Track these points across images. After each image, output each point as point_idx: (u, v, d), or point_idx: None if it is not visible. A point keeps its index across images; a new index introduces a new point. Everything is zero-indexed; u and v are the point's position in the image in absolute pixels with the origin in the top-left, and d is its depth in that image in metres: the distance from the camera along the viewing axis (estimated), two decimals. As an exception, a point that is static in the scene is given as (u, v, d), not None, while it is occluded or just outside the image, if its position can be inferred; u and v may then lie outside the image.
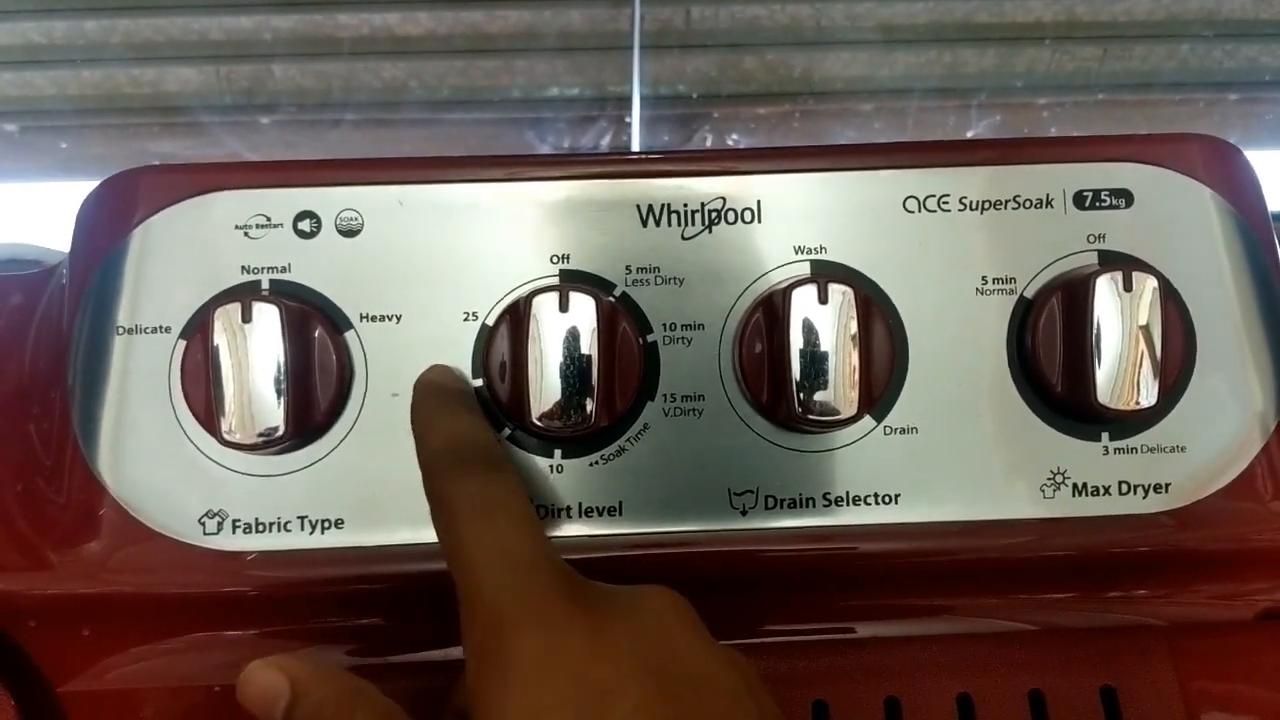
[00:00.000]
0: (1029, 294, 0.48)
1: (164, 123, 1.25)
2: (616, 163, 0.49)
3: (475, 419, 0.45)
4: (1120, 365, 0.46)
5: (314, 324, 0.47)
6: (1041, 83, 1.25)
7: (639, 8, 1.15)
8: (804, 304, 0.46)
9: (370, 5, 1.17)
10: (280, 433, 0.45)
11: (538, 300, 0.45)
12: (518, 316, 0.46)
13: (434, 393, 0.46)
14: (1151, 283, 0.46)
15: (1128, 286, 0.46)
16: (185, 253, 0.48)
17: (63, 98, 1.23)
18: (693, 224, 0.49)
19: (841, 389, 0.45)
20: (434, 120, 1.27)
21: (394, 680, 0.46)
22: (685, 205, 0.49)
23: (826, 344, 0.45)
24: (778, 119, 1.28)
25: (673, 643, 0.35)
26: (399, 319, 0.48)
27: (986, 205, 0.49)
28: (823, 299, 0.46)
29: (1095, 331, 0.46)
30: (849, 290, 0.46)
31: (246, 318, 0.45)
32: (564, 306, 0.45)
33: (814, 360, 0.45)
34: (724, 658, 0.36)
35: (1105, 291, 0.46)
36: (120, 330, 0.47)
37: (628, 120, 1.21)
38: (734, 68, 1.25)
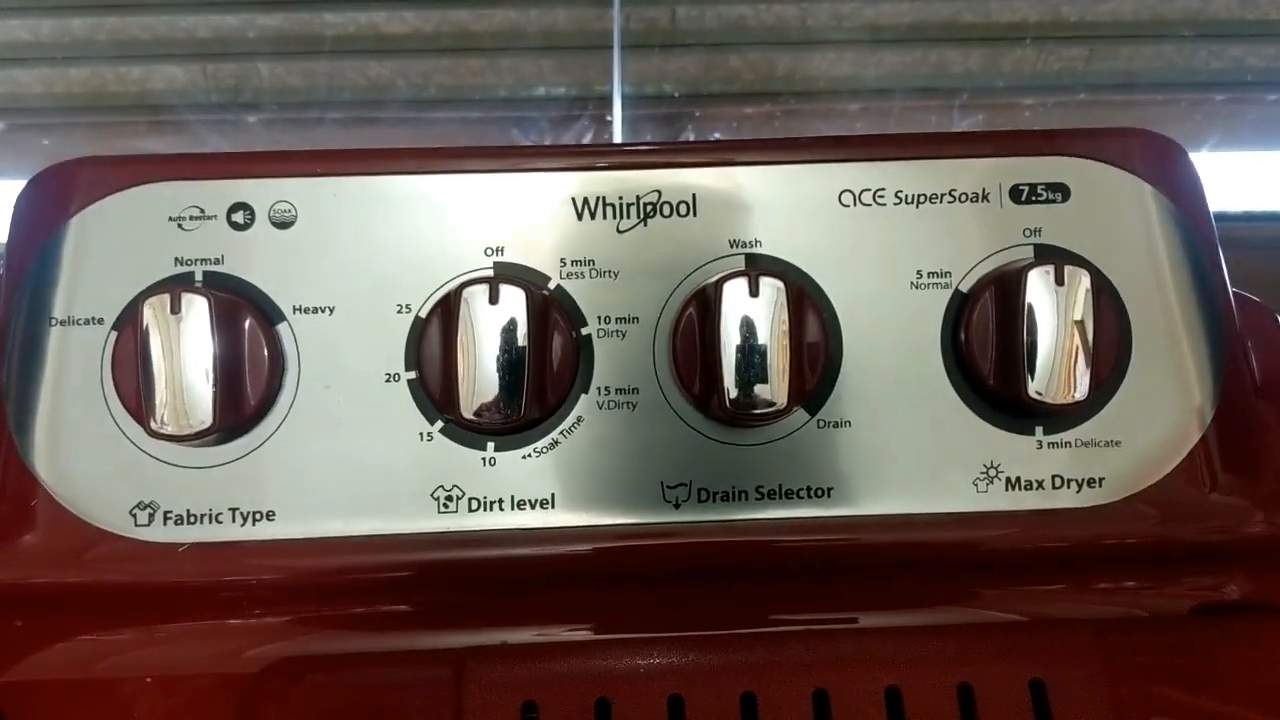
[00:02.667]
0: (964, 288, 0.48)
1: (150, 121, 1.25)
2: (552, 156, 0.49)
3: None
4: (1053, 359, 0.46)
5: (244, 315, 0.47)
6: (1027, 83, 1.24)
7: (618, 7, 1.15)
8: (735, 297, 0.46)
9: (356, 3, 1.17)
10: (209, 424, 0.45)
11: (468, 292, 0.45)
12: (449, 309, 0.46)
13: None
14: (1084, 277, 0.46)
15: (1060, 281, 0.46)
16: (119, 244, 0.48)
17: (49, 95, 1.23)
18: (628, 217, 0.49)
19: (772, 382, 0.45)
20: (420, 119, 1.27)
21: (324, 671, 0.46)
22: (620, 198, 0.49)
23: (757, 337, 0.45)
24: (762, 118, 1.28)
25: None
26: (332, 311, 0.48)
27: (922, 199, 0.49)
28: (754, 292, 0.45)
29: (1027, 325, 0.46)
30: (780, 283, 0.46)
31: (175, 309, 0.45)
32: (494, 299, 0.45)
33: (744, 353, 0.45)
34: None
35: (1038, 285, 0.46)
36: (54, 322, 0.48)
37: (609, 119, 1.21)
38: (719, 67, 1.25)
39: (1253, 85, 1.23)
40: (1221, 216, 1.19)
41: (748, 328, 0.45)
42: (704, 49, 1.23)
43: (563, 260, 0.48)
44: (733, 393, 0.45)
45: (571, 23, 1.21)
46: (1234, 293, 0.51)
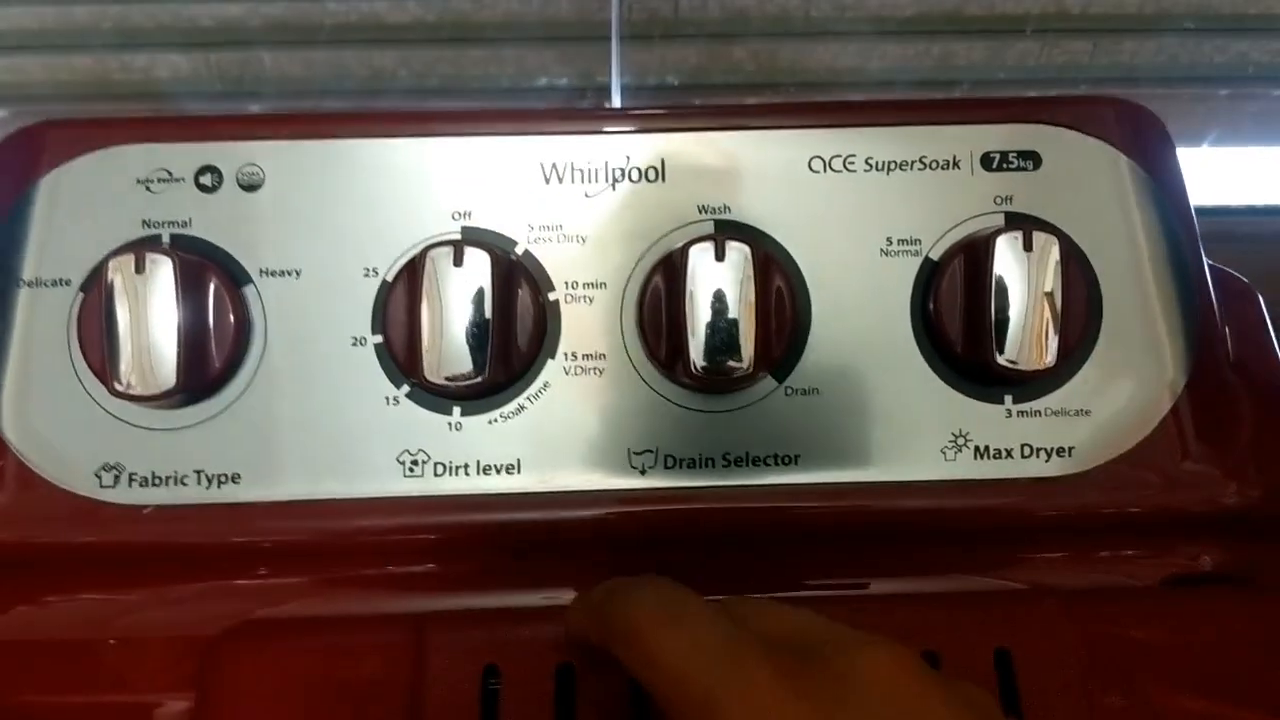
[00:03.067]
0: (934, 255, 0.48)
1: (154, 109, 1.26)
2: (520, 120, 0.49)
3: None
4: (1021, 326, 0.45)
5: (210, 278, 0.47)
6: (1031, 76, 1.24)
7: (617, -3, 1.15)
8: (701, 263, 0.45)
9: (358, -8, 1.17)
10: (173, 386, 0.45)
11: (433, 255, 0.45)
12: (414, 272, 0.46)
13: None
14: (1053, 244, 0.45)
15: (1028, 247, 0.45)
16: (88, 206, 0.48)
17: (53, 83, 1.24)
18: (596, 182, 0.49)
19: (739, 348, 0.45)
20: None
21: (287, 634, 0.46)
22: (589, 163, 0.49)
23: (723, 303, 0.45)
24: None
25: (905, 706, 0.33)
26: (299, 274, 0.48)
27: (893, 166, 0.49)
28: (720, 257, 0.45)
29: (995, 292, 0.45)
30: (746, 248, 0.45)
31: (140, 270, 0.45)
32: (459, 261, 0.45)
33: (711, 319, 0.45)
34: (965, 715, 0.33)
35: (1005, 252, 0.45)
36: (23, 283, 0.48)
37: (607, 106, 1.21)
38: (722, 57, 1.24)
39: (1257, 80, 1.23)
40: (1225, 210, 1.18)
41: (714, 294, 0.45)
42: (707, 39, 1.23)
43: (530, 225, 0.48)
44: (699, 359, 0.45)
45: (574, 13, 1.21)
46: (1211, 266, 0.51)
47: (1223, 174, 1.21)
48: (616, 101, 1.18)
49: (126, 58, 1.21)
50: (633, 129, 0.49)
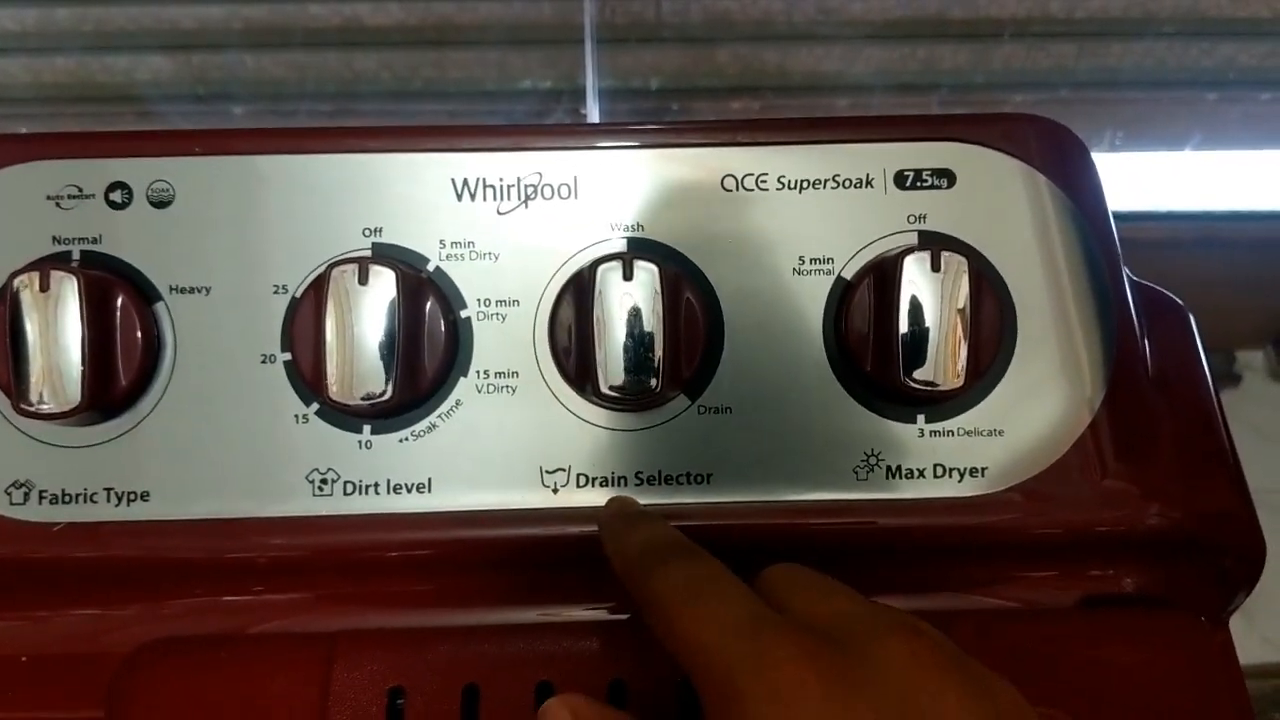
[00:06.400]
0: (847, 275, 0.48)
1: (136, 111, 1.26)
2: (432, 136, 0.48)
3: (662, 524, 0.44)
4: (929, 346, 0.45)
5: (117, 294, 0.46)
6: (1016, 79, 1.24)
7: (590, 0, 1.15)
8: (609, 281, 0.45)
9: (340, -5, 1.17)
10: (78, 403, 0.45)
11: (337, 272, 0.45)
12: (320, 290, 0.46)
13: (618, 514, 0.46)
14: (963, 263, 0.45)
15: (936, 267, 0.45)
16: (-1, 223, 0.48)
17: (35, 85, 1.24)
18: (509, 199, 0.48)
19: (649, 367, 0.45)
20: (402, 111, 1.27)
21: (193, 653, 0.46)
22: (501, 180, 0.48)
23: (632, 321, 0.45)
24: (746, 113, 1.27)
25: (918, 699, 0.32)
26: (208, 291, 0.48)
27: (806, 184, 0.48)
28: (628, 276, 0.45)
29: (903, 312, 0.45)
30: (654, 267, 0.45)
31: (45, 287, 0.45)
32: (364, 279, 0.45)
33: (620, 338, 0.45)
34: (979, 707, 0.33)
35: (913, 272, 0.45)
36: (-67, 299, 0.47)
37: (582, 111, 1.21)
38: (705, 61, 1.24)
39: (1243, 83, 1.22)
40: (1210, 215, 1.18)
41: (623, 312, 0.45)
42: (689, 43, 1.22)
43: (442, 241, 0.48)
44: (609, 377, 0.45)
45: (556, 16, 1.21)
46: (1137, 282, 0.51)
47: (1209, 178, 1.20)
48: (593, 105, 1.18)
49: (108, 60, 1.22)
50: (546, 146, 0.48)
